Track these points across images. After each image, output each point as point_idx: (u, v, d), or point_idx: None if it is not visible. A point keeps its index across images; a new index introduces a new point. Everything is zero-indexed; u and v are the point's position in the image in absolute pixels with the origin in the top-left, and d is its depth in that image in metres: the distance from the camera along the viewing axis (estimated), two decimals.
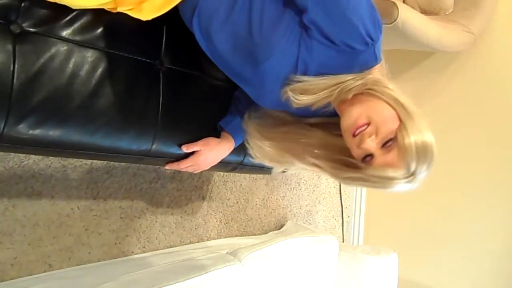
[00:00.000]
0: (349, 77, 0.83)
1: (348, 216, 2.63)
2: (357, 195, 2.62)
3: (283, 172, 1.07)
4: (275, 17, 0.83)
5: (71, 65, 0.87)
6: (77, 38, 0.88)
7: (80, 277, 1.31)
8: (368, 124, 0.81)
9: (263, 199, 2.06)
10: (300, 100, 0.85)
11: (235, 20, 0.86)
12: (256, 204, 2.02)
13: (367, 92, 0.83)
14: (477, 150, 2.13)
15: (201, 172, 1.22)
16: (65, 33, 0.86)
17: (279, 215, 2.15)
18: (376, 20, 0.78)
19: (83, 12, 0.88)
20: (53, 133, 0.87)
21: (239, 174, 1.90)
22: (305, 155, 0.96)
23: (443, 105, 2.23)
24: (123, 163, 1.46)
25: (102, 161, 1.40)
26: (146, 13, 0.86)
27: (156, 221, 1.59)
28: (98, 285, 0.98)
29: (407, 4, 1.83)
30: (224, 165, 1.24)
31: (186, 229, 1.69)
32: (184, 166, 1.12)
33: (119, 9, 0.85)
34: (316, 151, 0.96)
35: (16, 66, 0.79)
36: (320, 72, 0.85)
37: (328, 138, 0.96)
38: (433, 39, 1.74)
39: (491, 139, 2.09)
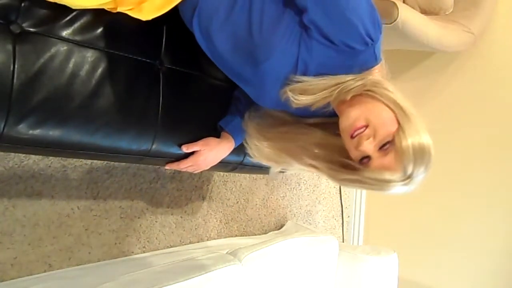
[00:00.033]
0: (348, 77, 0.83)
1: (348, 216, 2.63)
2: (357, 195, 2.62)
3: (282, 172, 1.07)
4: (275, 17, 0.83)
5: (71, 65, 0.87)
6: (77, 38, 0.88)
7: (80, 277, 1.31)
8: (366, 126, 0.81)
9: (263, 199, 2.06)
10: (300, 100, 0.85)
11: (235, 20, 0.86)
12: (256, 204, 2.02)
13: (366, 94, 0.83)
14: (477, 150, 2.13)
15: (201, 172, 1.22)
16: (65, 33, 0.86)
17: (279, 215, 2.15)
18: (375, 20, 0.78)
19: (83, 12, 0.88)
20: (53, 133, 0.87)
21: (239, 174, 1.90)
22: (302, 155, 0.96)
23: (443, 105, 2.23)
24: (123, 163, 1.46)
25: (102, 161, 1.40)
26: (146, 13, 0.86)
27: (156, 221, 1.59)
28: (98, 285, 0.98)
29: (407, 4, 1.83)
30: (224, 165, 1.24)
31: (186, 229, 1.69)
32: (184, 166, 1.12)
33: (119, 9, 0.85)
34: (315, 151, 0.96)
35: (16, 66, 0.79)
36: (319, 72, 0.85)
37: (327, 138, 0.96)
38: (433, 39, 1.74)
39: (491, 139, 2.09)
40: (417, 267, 2.28)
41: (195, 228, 1.73)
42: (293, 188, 2.24)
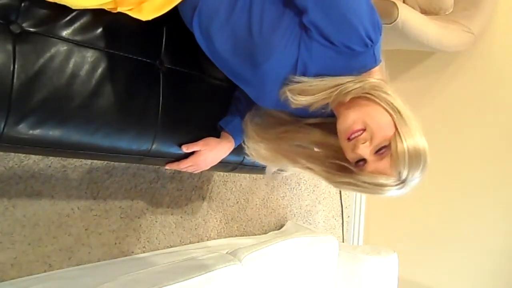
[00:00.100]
0: (348, 79, 0.83)
1: (348, 216, 2.63)
2: (357, 195, 2.62)
3: (280, 172, 1.07)
4: (275, 18, 0.83)
5: (71, 65, 0.87)
6: (77, 38, 0.88)
7: (80, 277, 1.31)
8: (364, 130, 0.81)
9: (263, 199, 2.06)
10: (298, 100, 0.85)
11: (235, 20, 0.86)
12: (256, 204, 2.02)
13: (365, 96, 0.83)
14: (477, 150, 2.13)
15: (201, 172, 1.22)
16: (65, 33, 0.87)
17: (279, 215, 2.15)
18: (375, 22, 0.78)
19: (83, 12, 0.88)
20: (53, 133, 0.87)
21: (239, 174, 1.90)
22: (299, 157, 0.97)
23: (443, 105, 2.23)
24: (123, 163, 1.46)
25: (102, 161, 1.40)
26: (146, 13, 0.86)
27: (156, 221, 1.59)
28: (98, 285, 0.98)
29: (407, 4, 1.83)
30: (224, 165, 1.24)
31: (186, 229, 1.69)
32: (184, 166, 1.12)
33: (119, 9, 0.85)
34: (312, 150, 0.96)
35: (16, 66, 0.79)
36: (319, 73, 0.85)
37: (325, 138, 0.97)
38: (433, 39, 1.74)
39: (491, 139, 2.09)
40: (417, 267, 2.28)
41: (195, 228, 1.73)
42: (293, 188, 2.24)
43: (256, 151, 1.03)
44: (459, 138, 2.18)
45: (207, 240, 1.78)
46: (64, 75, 0.86)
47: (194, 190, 1.71)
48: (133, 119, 0.99)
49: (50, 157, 1.28)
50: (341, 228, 2.58)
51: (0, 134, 0.80)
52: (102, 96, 0.92)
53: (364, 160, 0.82)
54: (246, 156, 1.09)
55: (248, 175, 1.94)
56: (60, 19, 0.86)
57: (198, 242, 1.74)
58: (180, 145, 1.09)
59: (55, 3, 0.81)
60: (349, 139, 0.83)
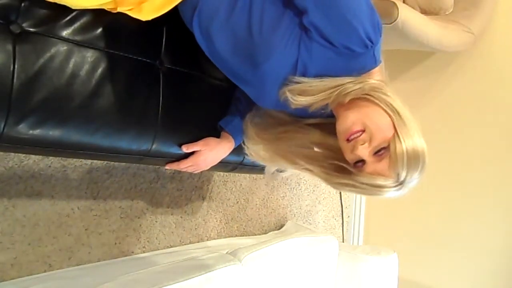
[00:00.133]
0: (348, 80, 0.83)
1: (348, 216, 2.63)
2: (357, 195, 2.62)
3: (280, 171, 1.07)
4: (275, 18, 0.83)
5: (71, 65, 0.87)
6: (77, 38, 0.88)
7: (80, 277, 1.31)
8: (363, 131, 0.81)
9: (263, 199, 2.06)
10: (298, 101, 0.85)
11: (235, 20, 0.86)
12: (256, 204, 2.02)
13: (365, 98, 0.83)
14: (477, 150, 2.13)
15: (201, 172, 1.22)
16: (65, 33, 0.87)
17: (279, 215, 2.15)
18: (376, 23, 0.78)
19: (83, 12, 0.88)
20: (53, 133, 0.87)
21: (239, 174, 1.90)
22: (298, 158, 0.97)
23: (443, 105, 2.23)
24: (123, 163, 1.46)
25: (102, 161, 1.40)
26: (146, 13, 0.87)
27: (156, 221, 1.59)
28: (98, 285, 0.98)
29: (407, 4, 1.83)
30: (224, 165, 1.24)
31: (186, 229, 1.69)
32: (184, 166, 1.12)
33: (119, 9, 0.85)
34: (312, 150, 0.96)
35: (16, 66, 0.79)
36: (319, 74, 0.85)
37: (325, 138, 0.97)
38: (433, 39, 1.74)
39: (491, 139, 2.09)
40: (417, 267, 2.28)
41: (195, 228, 1.73)
42: (293, 188, 2.24)
43: (255, 151, 1.04)
44: (459, 138, 2.18)
45: (207, 240, 1.78)
46: (64, 75, 0.86)
47: (194, 190, 1.71)
48: (133, 119, 0.99)
49: (50, 157, 1.28)
50: (341, 228, 2.58)
51: (0, 134, 0.80)
52: (102, 96, 0.92)
53: (363, 161, 0.82)
54: (246, 156, 1.10)
55: (248, 175, 1.94)
56: (60, 19, 0.86)
57: (198, 242, 1.74)
58: (180, 145, 1.09)
59: (55, 3, 0.81)
60: (348, 140, 0.83)
